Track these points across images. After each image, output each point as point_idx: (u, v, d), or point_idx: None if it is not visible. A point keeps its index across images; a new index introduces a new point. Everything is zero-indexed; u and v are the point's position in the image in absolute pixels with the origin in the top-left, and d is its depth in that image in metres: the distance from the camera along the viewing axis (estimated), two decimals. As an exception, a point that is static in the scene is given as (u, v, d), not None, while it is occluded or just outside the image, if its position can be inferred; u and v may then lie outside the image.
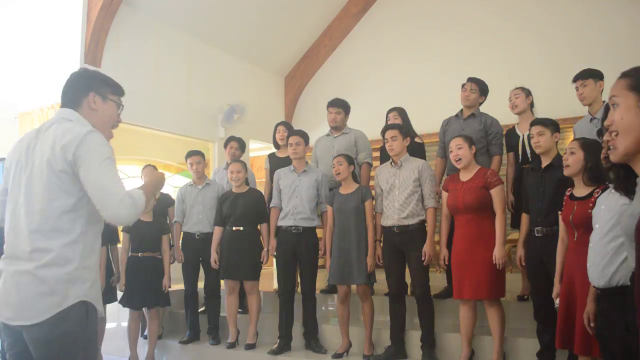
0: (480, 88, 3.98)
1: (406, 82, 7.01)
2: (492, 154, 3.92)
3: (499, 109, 4.10)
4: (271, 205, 4.14)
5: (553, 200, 2.94)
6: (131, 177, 7.76)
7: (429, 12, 7.21)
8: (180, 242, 4.56)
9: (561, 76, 3.99)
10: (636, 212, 1.13)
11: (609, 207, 2.18)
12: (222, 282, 4.40)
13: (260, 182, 5.32)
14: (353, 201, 3.73)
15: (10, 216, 1.73)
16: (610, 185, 2.14)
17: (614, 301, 2.04)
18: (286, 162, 4.30)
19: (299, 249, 3.92)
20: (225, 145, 4.83)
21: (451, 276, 3.46)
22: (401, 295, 3.66)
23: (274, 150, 4.94)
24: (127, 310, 4.31)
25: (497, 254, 3.15)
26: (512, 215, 3.90)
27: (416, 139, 4.22)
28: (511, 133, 3.95)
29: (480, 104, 4.04)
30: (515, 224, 3.74)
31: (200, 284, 4.50)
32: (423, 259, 3.47)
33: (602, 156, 1.29)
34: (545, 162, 3.11)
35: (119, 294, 4.26)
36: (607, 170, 1.31)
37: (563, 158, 2.70)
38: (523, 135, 3.78)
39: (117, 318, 4.87)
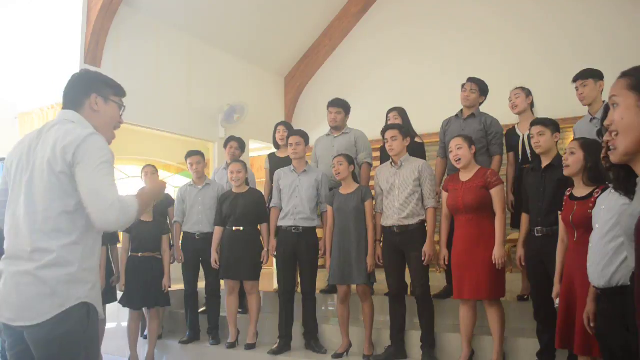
0: (480, 88, 3.98)
1: (406, 82, 7.01)
2: (492, 154, 3.92)
3: (499, 109, 4.10)
4: (271, 205, 4.14)
5: (553, 200, 2.94)
6: (131, 177, 7.76)
7: (429, 12, 7.21)
8: (180, 242, 4.56)
9: (561, 76, 3.99)
10: (636, 212, 1.13)
11: (609, 207, 2.18)
12: (222, 282, 4.40)
13: (260, 182, 5.32)
14: (353, 201, 3.73)
15: (11, 216, 1.73)
16: (610, 185, 2.14)
17: (614, 301, 2.04)
18: (286, 162, 4.30)
19: (299, 249, 3.92)
20: (225, 145, 4.83)
21: (451, 276, 3.46)
22: (401, 295, 3.66)
23: (274, 150, 4.94)
24: (127, 310, 4.31)
25: (497, 254, 3.15)
26: (512, 215, 3.90)
27: (416, 139, 4.22)
28: (511, 133, 3.95)
29: (481, 104, 4.04)
30: (515, 224, 3.74)
31: (201, 284, 4.50)
32: (423, 259, 3.47)
33: (602, 156, 1.29)
34: (545, 162, 3.11)
35: (119, 294, 4.27)
36: (606, 171, 1.31)
37: (563, 158, 2.70)
38: (523, 135, 3.78)
39: (117, 318, 4.87)
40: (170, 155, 7.83)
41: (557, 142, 3.15)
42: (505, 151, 3.98)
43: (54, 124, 1.76)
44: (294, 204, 3.95)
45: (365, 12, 7.78)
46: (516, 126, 3.95)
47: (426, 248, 3.48)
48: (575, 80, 3.42)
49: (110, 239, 4.28)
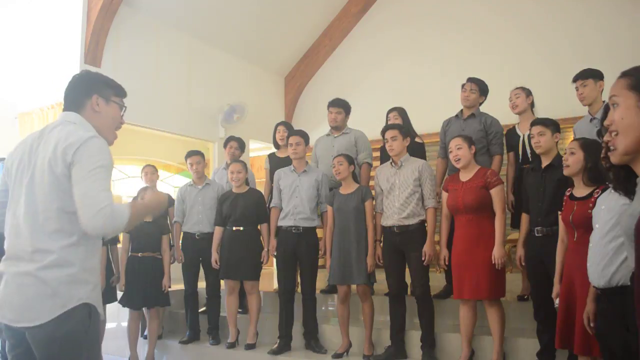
0: (480, 88, 3.98)
1: (406, 82, 7.01)
2: (492, 154, 3.91)
3: (499, 109, 4.10)
4: (271, 205, 4.14)
5: (553, 200, 2.94)
6: (131, 177, 7.77)
7: (429, 12, 7.21)
8: (180, 242, 4.56)
9: (561, 76, 3.99)
10: (636, 212, 1.13)
11: (609, 207, 2.18)
12: (222, 282, 4.40)
13: (260, 182, 5.32)
14: (353, 201, 3.73)
15: (11, 217, 1.73)
16: (610, 185, 2.14)
17: (614, 301, 2.04)
18: (286, 162, 4.30)
19: (299, 249, 3.92)
20: (225, 145, 4.83)
21: (450, 276, 3.46)
22: (401, 295, 3.66)
23: (274, 150, 4.94)
24: (127, 310, 4.31)
25: (496, 253, 3.15)
26: (512, 215, 3.90)
27: (416, 139, 4.21)
28: (511, 133, 3.95)
29: (481, 104, 4.04)
30: (515, 224, 3.74)
31: (201, 284, 4.50)
32: (423, 259, 3.47)
33: (601, 156, 1.28)
34: (545, 162, 3.11)
35: (119, 294, 4.27)
36: (606, 171, 1.31)
37: (563, 158, 2.70)
38: (523, 135, 3.78)
39: (117, 318, 4.87)
40: (170, 155, 7.83)
41: (557, 142, 3.15)
42: (505, 151, 3.98)
43: (56, 125, 1.76)
44: (294, 204, 3.95)
45: (365, 12, 7.78)
46: (516, 126, 3.95)
47: (426, 248, 3.48)
48: (575, 80, 3.42)
49: (110, 239, 4.27)
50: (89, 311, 1.69)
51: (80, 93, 1.82)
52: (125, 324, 4.46)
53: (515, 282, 4.07)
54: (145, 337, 4.48)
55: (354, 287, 3.78)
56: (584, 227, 2.44)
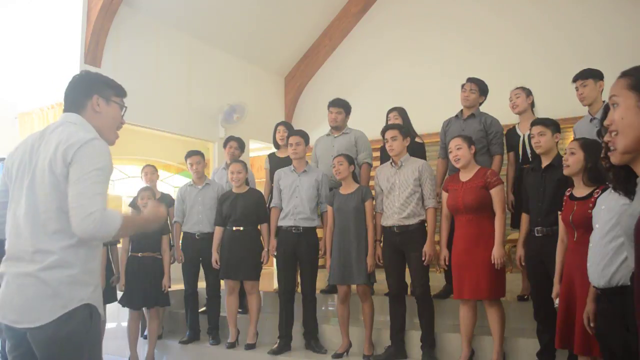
0: (480, 88, 3.98)
1: (406, 82, 7.01)
2: (492, 154, 3.91)
3: (498, 109, 4.10)
4: (271, 205, 4.14)
5: (553, 200, 2.94)
6: (131, 177, 7.77)
7: (429, 12, 7.21)
8: (180, 242, 4.56)
9: (561, 76, 3.99)
10: (636, 212, 1.13)
11: (609, 207, 2.18)
12: (222, 282, 4.40)
13: (260, 182, 5.32)
14: (353, 201, 3.73)
15: (12, 217, 1.72)
16: (610, 185, 2.14)
17: (614, 301, 2.04)
18: (286, 162, 4.30)
19: (299, 249, 3.92)
20: (225, 145, 4.83)
21: (450, 275, 3.45)
22: (401, 295, 3.66)
23: (274, 150, 4.94)
24: (127, 310, 4.32)
25: (496, 253, 3.15)
26: (512, 215, 3.89)
27: (416, 139, 4.21)
28: (512, 133, 3.94)
29: (480, 104, 4.04)
30: (515, 224, 3.74)
31: (201, 284, 4.50)
32: (423, 259, 3.47)
33: (601, 156, 1.28)
34: (545, 162, 3.11)
35: (119, 294, 4.27)
36: (606, 171, 1.31)
37: (563, 158, 2.70)
38: (524, 135, 3.78)
39: (117, 318, 4.88)
40: (170, 155, 7.83)
41: (557, 142, 3.15)
42: (505, 151, 3.98)
43: (57, 126, 1.76)
44: (294, 204, 3.95)
45: (365, 12, 7.78)
46: (517, 126, 3.95)
47: (427, 248, 3.48)
48: (575, 80, 3.42)
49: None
50: (90, 312, 1.69)
51: (80, 93, 1.82)
52: (125, 324, 4.47)
53: (515, 282, 4.07)
54: (145, 337, 4.48)
55: (354, 287, 3.78)
56: (584, 227, 2.44)
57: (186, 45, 6.48)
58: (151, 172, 4.88)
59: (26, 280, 1.63)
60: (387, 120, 4.30)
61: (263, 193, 4.47)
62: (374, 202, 3.80)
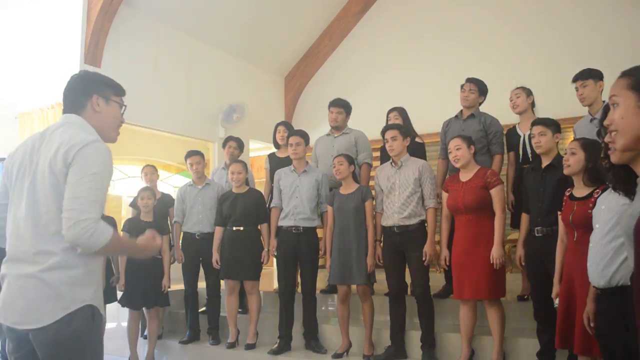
0: (479, 88, 3.98)
1: (406, 82, 7.01)
2: (492, 154, 3.91)
3: (498, 110, 4.10)
4: (272, 205, 4.14)
5: (553, 200, 2.94)
6: (131, 177, 7.77)
7: (429, 12, 7.21)
8: (180, 242, 4.56)
9: (560, 76, 3.99)
10: (636, 212, 1.13)
11: (609, 207, 2.18)
12: (222, 282, 4.40)
13: (260, 182, 5.32)
14: (353, 201, 3.73)
15: (12, 218, 1.72)
16: (610, 185, 2.14)
17: (614, 301, 2.04)
18: (286, 162, 4.30)
19: (299, 249, 3.92)
20: (224, 145, 4.83)
21: (450, 275, 3.45)
22: (401, 295, 3.66)
23: (274, 150, 4.94)
24: (127, 310, 4.31)
25: (495, 253, 3.15)
26: (512, 215, 3.89)
27: (416, 139, 4.21)
28: (512, 132, 3.94)
29: (480, 104, 4.04)
30: (515, 224, 3.74)
31: (201, 284, 4.50)
32: (424, 259, 3.47)
33: (601, 156, 1.29)
34: (545, 162, 3.11)
35: (119, 294, 4.26)
36: (606, 171, 1.31)
37: (564, 158, 2.70)
38: (524, 135, 3.78)
39: (117, 318, 4.88)
40: (170, 155, 7.83)
41: (557, 142, 3.15)
42: (505, 151, 3.98)
43: (57, 127, 1.75)
44: (294, 204, 3.95)
45: (365, 13, 7.78)
46: (517, 126, 3.95)
47: (427, 248, 3.48)
48: (575, 80, 3.41)
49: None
50: (92, 313, 1.69)
51: (79, 94, 1.81)
52: (125, 324, 4.46)
53: (515, 282, 4.08)
54: (145, 337, 4.48)
55: (354, 287, 3.78)
56: (584, 227, 2.45)
57: (186, 45, 6.48)
58: (151, 172, 4.88)
59: (28, 281, 1.63)
60: (387, 120, 4.30)
61: (263, 193, 4.47)
62: (374, 202, 3.80)
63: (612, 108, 1.18)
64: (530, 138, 3.33)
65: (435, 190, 3.63)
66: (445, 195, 3.44)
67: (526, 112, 3.86)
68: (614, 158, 1.17)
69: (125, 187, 7.82)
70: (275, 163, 4.63)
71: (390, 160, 3.71)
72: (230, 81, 7.08)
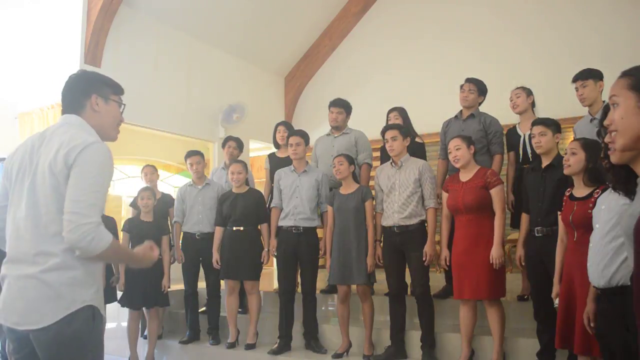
0: (479, 88, 3.98)
1: (406, 82, 7.01)
2: (492, 153, 3.91)
3: (498, 110, 4.10)
4: (272, 205, 4.14)
5: (553, 200, 2.94)
6: (131, 177, 7.77)
7: (429, 12, 7.21)
8: (180, 242, 4.56)
9: (560, 76, 3.99)
10: (636, 212, 1.13)
11: (609, 207, 2.18)
12: (222, 282, 4.40)
13: (260, 182, 5.32)
14: (353, 201, 3.73)
15: (12, 219, 1.72)
16: (610, 185, 2.14)
17: (614, 301, 2.04)
18: (286, 162, 4.31)
19: (299, 249, 3.92)
20: (224, 145, 4.83)
21: (450, 275, 3.45)
22: (401, 295, 3.66)
23: (274, 150, 4.94)
24: (127, 310, 4.31)
25: (495, 253, 3.15)
26: (512, 215, 3.89)
27: (417, 139, 4.21)
28: (512, 132, 3.94)
29: (480, 104, 4.04)
30: (515, 224, 3.74)
31: (201, 284, 4.50)
32: (424, 259, 3.47)
33: (601, 156, 1.29)
34: (545, 162, 3.11)
35: (119, 294, 4.26)
36: (607, 171, 1.31)
37: (564, 158, 2.70)
38: (524, 135, 3.78)
39: (117, 318, 4.88)
40: (170, 155, 7.83)
41: (557, 142, 3.15)
42: (505, 151, 3.98)
43: (57, 127, 1.75)
44: (294, 204, 3.95)
45: (365, 13, 7.78)
46: (517, 126, 3.95)
47: (427, 248, 3.48)
48: (575, 80, 3.41)
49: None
50: (92, 313, 1.68)
51: (78, 94, 1.81)
52: (125, 324, 4.47)
53: (515, 282, 4.08)
54: (145, 337, 4.48)
55: (354, 287, 3.78)
56: (584, 227, 2.45)
57: (186, 46, 6.48)
58: (151, 172, 4.88)
59: (28, 282, 1.63)
60: (387, 120, 4.30)
61: (263, 193, 4.47)
62: (374, 202, 3.80)
63: (612, 108, 1.18)
64: (530, 138, 3.33)
65: (435, 190, 3.63)
66: (445, 195, 3.44)
67: (526, 112, 3.86)
68: (614, 158, 1.18)
69: (125, 187, 7.82)
70: (275, 163, 4.63)
71: (390, 160, 3.71)
72: (230, 81, 7.08)
